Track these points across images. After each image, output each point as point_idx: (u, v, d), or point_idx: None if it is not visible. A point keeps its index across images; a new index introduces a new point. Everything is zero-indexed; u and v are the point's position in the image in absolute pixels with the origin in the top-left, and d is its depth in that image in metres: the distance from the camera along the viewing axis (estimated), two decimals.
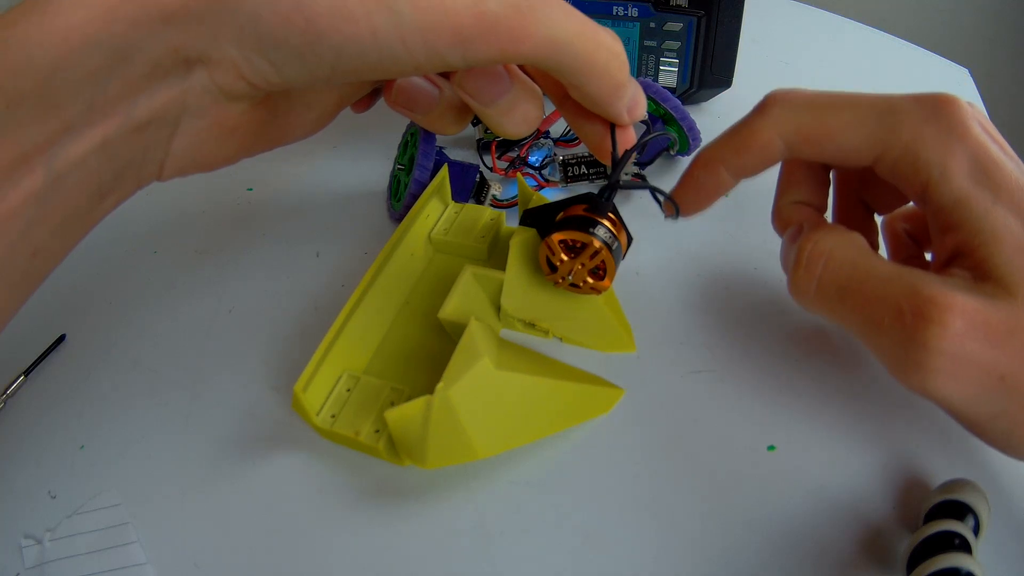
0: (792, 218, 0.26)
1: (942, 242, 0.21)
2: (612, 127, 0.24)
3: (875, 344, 0.21)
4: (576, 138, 0.39)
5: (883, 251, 0.29)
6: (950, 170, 0.20)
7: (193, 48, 0.18)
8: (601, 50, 0.20)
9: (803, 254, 0.23)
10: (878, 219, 0.28)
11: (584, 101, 0.22)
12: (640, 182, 0.26)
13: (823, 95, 0.23)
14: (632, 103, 0.22)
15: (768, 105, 0.23)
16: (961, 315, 0.19)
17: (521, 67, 0.24)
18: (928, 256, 0.27)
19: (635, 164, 0.36)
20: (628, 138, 0.24)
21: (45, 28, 0.16)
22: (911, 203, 0.26)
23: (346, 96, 0.25)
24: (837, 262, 0.22)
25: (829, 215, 0.28)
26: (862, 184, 0.27)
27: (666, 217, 0.27)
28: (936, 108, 0.21)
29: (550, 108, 0.39)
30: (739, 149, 0.24)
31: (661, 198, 0.26)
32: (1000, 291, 0.19)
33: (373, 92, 0.27)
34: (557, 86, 0.24)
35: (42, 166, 0.17)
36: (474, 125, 0.40)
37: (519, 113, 0.23)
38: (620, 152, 0.24)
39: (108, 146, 0.18)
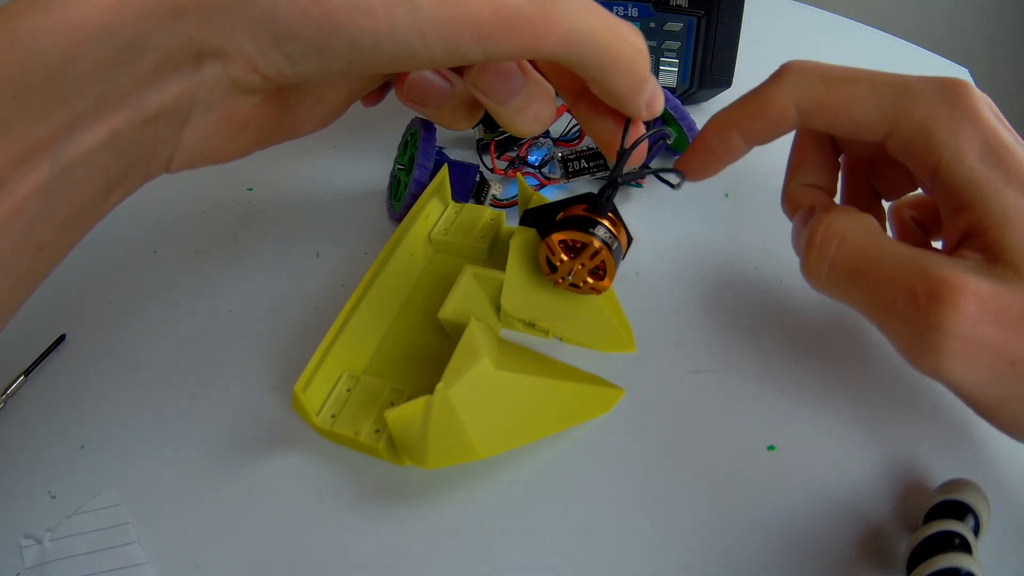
0: (802, 200, 0.26)
1: (953, 223, 0.21)
2: (627, 122, 0.23)
3: (887, 326, 0.21)
4: (575, 138, 0.39)
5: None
6: (962, 150, 0.21)
7: (206, 41, 0.17)
8: (624, 45, 0.19)
9: (816, 235, 0.23)
10: (885, 205, 0.28)
11: (605, 97, 0.22)
12: (641, 170, 0.26)
13: (839, 68, 0.23)
14: (651, 98, 0.22)
15: (784, 73, 0.23)
16: (974, 297, 0.19)
17: (533, 64, 0.24)
18: (934, 244, 0.27)
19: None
20: (639, 134, 0.24)
21: (54, 19, 0.16)
22: (918, 190, 0.26)
23: (357, 89, 0.25)
24: (850, 243, 0.22)
25: (837, 199, 0.28)
26: (870, 168, 0.27)
27: (673, 187, 0.26)
28: (950, 90, 0.21)
29: None
30: (754, 114, 0.24)
31: (668, 176, 0.26)
32: (1011, 274, 0.19)
33: (384, 86, 0.26)
34: (571, 83, 0.24)
35: (48, 160, 0.17)
36: (472, 126, 0.40)
37: (532, 112, 0.22)
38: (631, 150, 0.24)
39: (117, 139, 0.18)
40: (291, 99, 0.22)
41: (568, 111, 0.39)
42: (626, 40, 0.19)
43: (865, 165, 0.27)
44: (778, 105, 0.23)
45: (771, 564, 0.22)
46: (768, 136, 0.24)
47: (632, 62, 0.20)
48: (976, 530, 0.20)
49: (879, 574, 0.22)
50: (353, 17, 0.17)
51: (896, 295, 0.20)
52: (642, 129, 0.24)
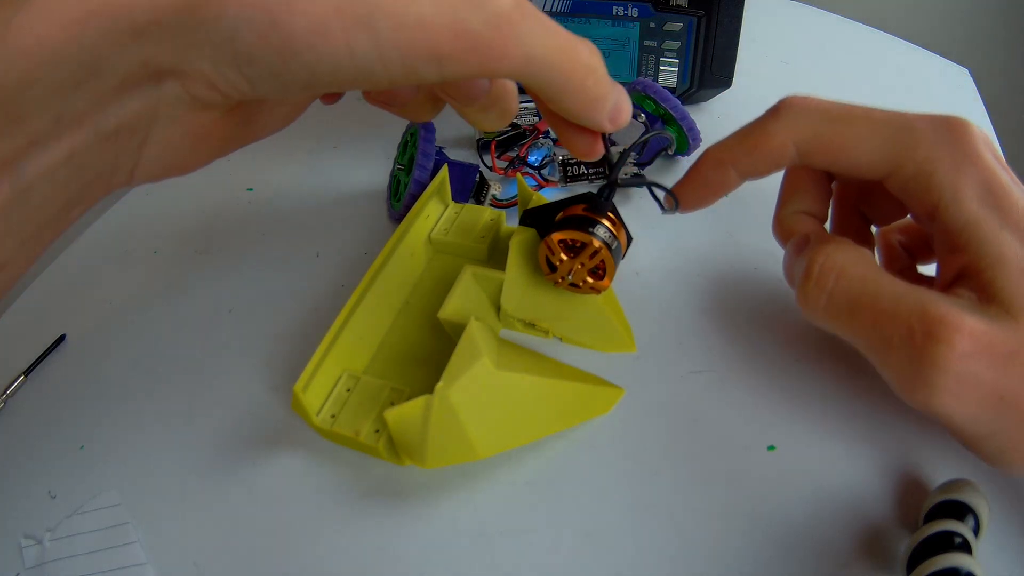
0: (795, 227, 0.26)
1: (948, 262, 0.22)
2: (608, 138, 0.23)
3: (882, 360, 0.21)
4: None
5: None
6: (962, 192, 0.21)
7: (165, 62, 0.17)
8: (577, 67, 0.19)
9: (814, 266, 0.23)
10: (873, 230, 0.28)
11: (564, 114, 0.22)
12: (639, 179, 0.26)
13: (839, 105, 0.23)
14: (614, 112, 0.22)
15: (783, 110, 0.24)
16: (969, 336, 0.19)
17: None
18: (920, 268, 0.28)
19: (634, 164, 0.36)
20: (597, 147, 0.24)
21: (9, 42, 0.15)
22: (907, 216, 0.26)
23: (317, 94, 0.25)
24: (848, 277, 0.22)
25: (827, 225, 0.28)
26: (862, 196, 0.27)
27: (664, 211, 0.27)
28: (950, 131, 0.22)
29: None
30: (751, 151, 0.24)
31: (661, 193, 0.26)
32: (1003, 314, 0.20)
33: None
34: None
35: (7, 181, 0.17)
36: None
37: (496, 111, 0.23)
38: (611, 152, 0.24)
39: (76, 157, 0.18)
40: (251, 108, 0.22)
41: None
42: (580, 62, 0.19)
43: (856, 193, 0.27)
44: (777, 143, 0.23)
45: (771, 564, 0.22)
46: (764, 173, 0.25)
47: (584, 83, 0.20)
48: (976, 530, 0.20)
49: (879, 574, 0.22)
50: (312, 43, 0.17)
51: (893, 331, 0.20)
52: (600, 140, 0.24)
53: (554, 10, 0.40)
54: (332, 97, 0.26)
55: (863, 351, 0.22)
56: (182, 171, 0.22)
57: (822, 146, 0.23)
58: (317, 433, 0.26)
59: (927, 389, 0.20)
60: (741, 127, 0.25)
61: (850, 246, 0.23)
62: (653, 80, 0.41)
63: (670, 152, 0.37)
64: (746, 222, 0.34)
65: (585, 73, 0.20)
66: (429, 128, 0.34)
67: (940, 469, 0.24)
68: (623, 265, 0.32)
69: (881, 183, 0.23)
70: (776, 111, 0.24)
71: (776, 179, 0.28)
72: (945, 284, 0.22)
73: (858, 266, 0.22)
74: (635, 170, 0.36)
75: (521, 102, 0.41)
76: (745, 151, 0.24)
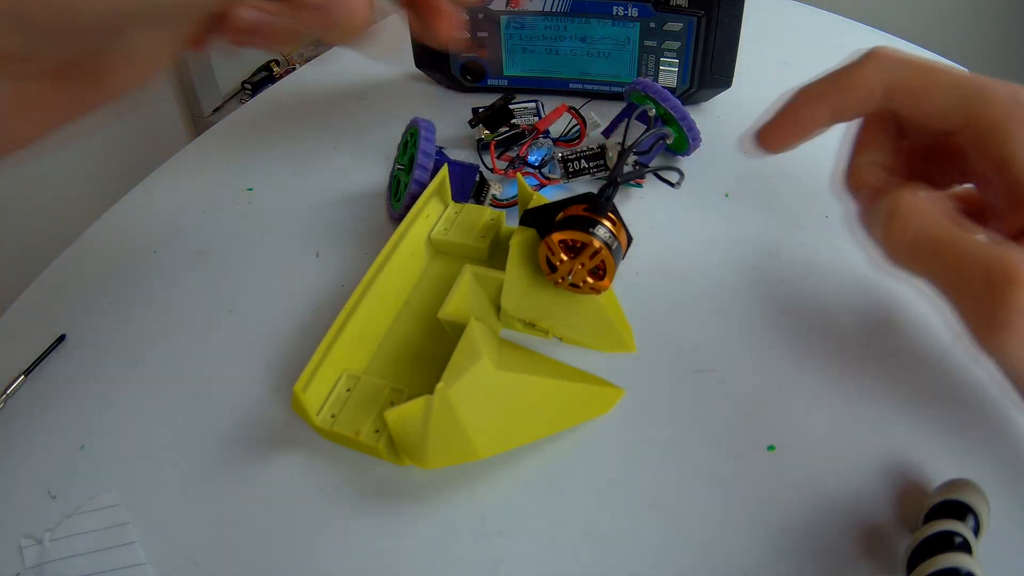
0: (870, 177, 0.27)
1: (1017, 215, 0.23)
2: (627, 123, 0.24)
3: (960, 301, 0.22)
4: (575, 138, 0.39)
5: None
6: None
7: None
8: None
9: (900, 207, 0.23)
10: None
11: None
12: (641, 168, 0.26)
13: (923, 58, 0.25)
14: None
15: (871, 56, 0.25)
16: None
17: None
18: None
19: (635, 153, 0.36)
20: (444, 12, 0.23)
21: None
22: (967, 184, 0.27)
23: (171, 41, 0.23)
24: (932, 218, 0.23)
25: None
26: (928, 158, 0.28)
27: (673, 185, 0.26)
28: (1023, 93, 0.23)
29: (550, 108, 0.40)
30: (844, 88, 0.25)
31: (668, 174, 0.26)
32: None
33: (207, 28, 0.24)
34: None
35: None
36: (472, 126, 0.40)
37: (342, 13, 0.22)
38: (611, 150, 0.24)
39: None
40: (89, 71, 0.21)
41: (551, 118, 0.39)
42: None
43: (923, 154, 0.28)
44: (868, 82, 0.24)
45: (771, 564, 0.22)
46: (852, 113, 0.26)
47: None
48: (976, 530, 0.20)
49: (879, 574, 0.22)
50: None
51: (973, 273, 0.21)
52: (446, 7, 0.23)
53: (554, 10, 0.40)
54: (197, 43, 0.24)
55: (940, 292, 0.23)
56: (21, 143, 0.20)
57: (909, 90, 0.24)
58: (317, 433, 0.26)
59: (1002, 331, 0.20)
60: (829, 72, 0.26)
61: (930, 191, 0.24)
62: (653, 80, 0.41)
63: (668, 141, 0.37)
64: (746, 222, 0.34)
65: None
66: (429, 128, 0.34)
67: (940, 469, 0.24)
68: (623, 265, 0.32)
69: (945, 145, 0.24)
70: (866, 57, 0.25)
71: (778, 176, 0.28)
72: (1011, 236, 0.23)
73: (940, 209, 0.23)
74: (635, 159, 0.36)
75: (520, 103, 0.41)
76: (838, 88, 0.25)
